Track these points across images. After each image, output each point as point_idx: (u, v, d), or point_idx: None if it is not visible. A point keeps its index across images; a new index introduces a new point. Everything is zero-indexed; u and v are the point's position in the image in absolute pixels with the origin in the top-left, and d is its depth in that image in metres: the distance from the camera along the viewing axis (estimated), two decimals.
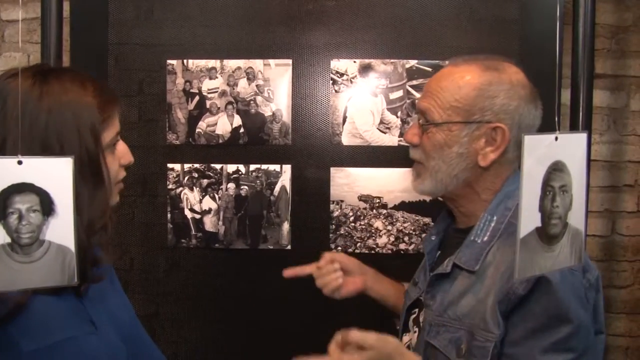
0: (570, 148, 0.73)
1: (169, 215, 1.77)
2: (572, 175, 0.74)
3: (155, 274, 1.80)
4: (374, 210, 1.73)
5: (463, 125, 1.13)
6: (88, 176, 0.94)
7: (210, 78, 1.74)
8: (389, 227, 1.73)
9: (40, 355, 0.86)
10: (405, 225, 1.72)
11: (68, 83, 0.96)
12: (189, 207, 1.76)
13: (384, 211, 1.73)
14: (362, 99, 1.73)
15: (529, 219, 0.72)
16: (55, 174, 0.71)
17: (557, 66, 1.53)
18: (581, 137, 0.76)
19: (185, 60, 1.74)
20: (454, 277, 1.17)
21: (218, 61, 1.74)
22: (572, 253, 0.76)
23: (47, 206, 0.71)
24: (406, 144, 1.67)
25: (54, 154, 0.91)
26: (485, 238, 1.13)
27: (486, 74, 1.13)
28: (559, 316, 1.01)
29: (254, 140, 1.74)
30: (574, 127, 1.68)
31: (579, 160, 0.75)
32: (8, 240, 0.69)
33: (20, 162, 0.68)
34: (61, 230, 0.72)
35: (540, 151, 0.70)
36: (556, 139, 0.70)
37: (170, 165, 1.76)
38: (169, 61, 1.75)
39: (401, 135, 1.71)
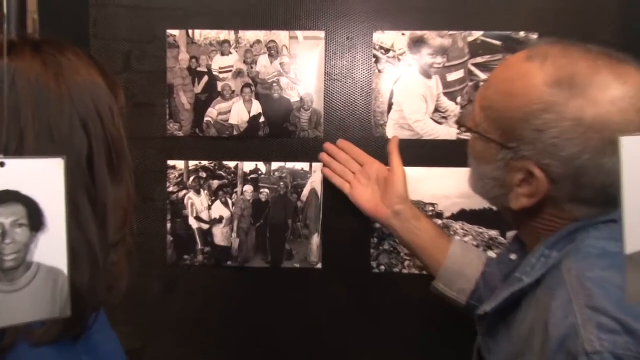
0: None
1: (168, 225, 1.76)
2: None
3: (149, 299, 1.78)
4: None
5: (500, 147, 1.05)
6: (114, 173, 0.95)
7: (223, 54, 1.72)
8: None
9: None
10: (466, 239, 1.70)
11: (74, 59, 0.95)
12: (194, 214, 1.75)
13: (440, 222, 1.70)
14: (413, 81, 1.70)
15: (638, 234, 0.70)
16: (44, 179, 0.70)
17: None
18: None
19: (190, 31, 1.72)
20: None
21: (232, 32, 1.71)
22: None
23: (35, 219, 0.70)
24: (466, 138, 1.65)
25: (80, 149, 0.90)
26: (534, 278, 1.05)
27: (552, 91, 0.98)
28: None
29: (277, 132, 1.73)
30: None
31: None
32: None
33: (2, 164, 0.67)
34: (52, 248, 0.71)
35: None
36: None
37: (171, 163, 1.75)
38: (169, 31, 1.73)
39: (461, 126, 1.67)
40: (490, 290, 1.32)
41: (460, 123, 1.16)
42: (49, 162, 0.71)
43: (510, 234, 1.67)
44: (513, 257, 1.25)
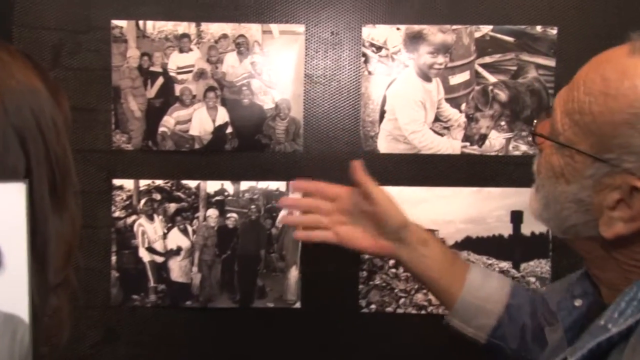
0: None
1: (113, 258, 1.71)
2: None
3: (88, 349, 1.72)
4: None
5: (590, 160, 0.98)
6: (57, 200, 0.87)
7: (181, 50, 1.70)
8: None
9: None
10: None
11: (7, 59, 0.87)
12: (145, 245, 1.71)
13: None
14: (409, 84, 1.68)
15: None
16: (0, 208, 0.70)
17: None
18: None
19: (140, 22, 1.68)
20: None
21: (193, 24, 1.68)
22: None
23: None
24: (472, 152, 1.65)
25: (16, 170, 0.83)
26: (624, 326, 0.98)
27: None
28: None
29: (248, 145, 1.71)
30: None
31: None
32: None
33: None
34: (10, 291, 0.71)
35: None
36: None
37: (117, 182, 1.71)
38: (114, 21, 1.69)
39: (466, 138, 1.66)
40: (516, 326, 1.29)
41: (533, 132, 1.10)
42: (5, 187, 0.70)
43: (525, 266, 1.65)
44: (578, 303, 1.19)
